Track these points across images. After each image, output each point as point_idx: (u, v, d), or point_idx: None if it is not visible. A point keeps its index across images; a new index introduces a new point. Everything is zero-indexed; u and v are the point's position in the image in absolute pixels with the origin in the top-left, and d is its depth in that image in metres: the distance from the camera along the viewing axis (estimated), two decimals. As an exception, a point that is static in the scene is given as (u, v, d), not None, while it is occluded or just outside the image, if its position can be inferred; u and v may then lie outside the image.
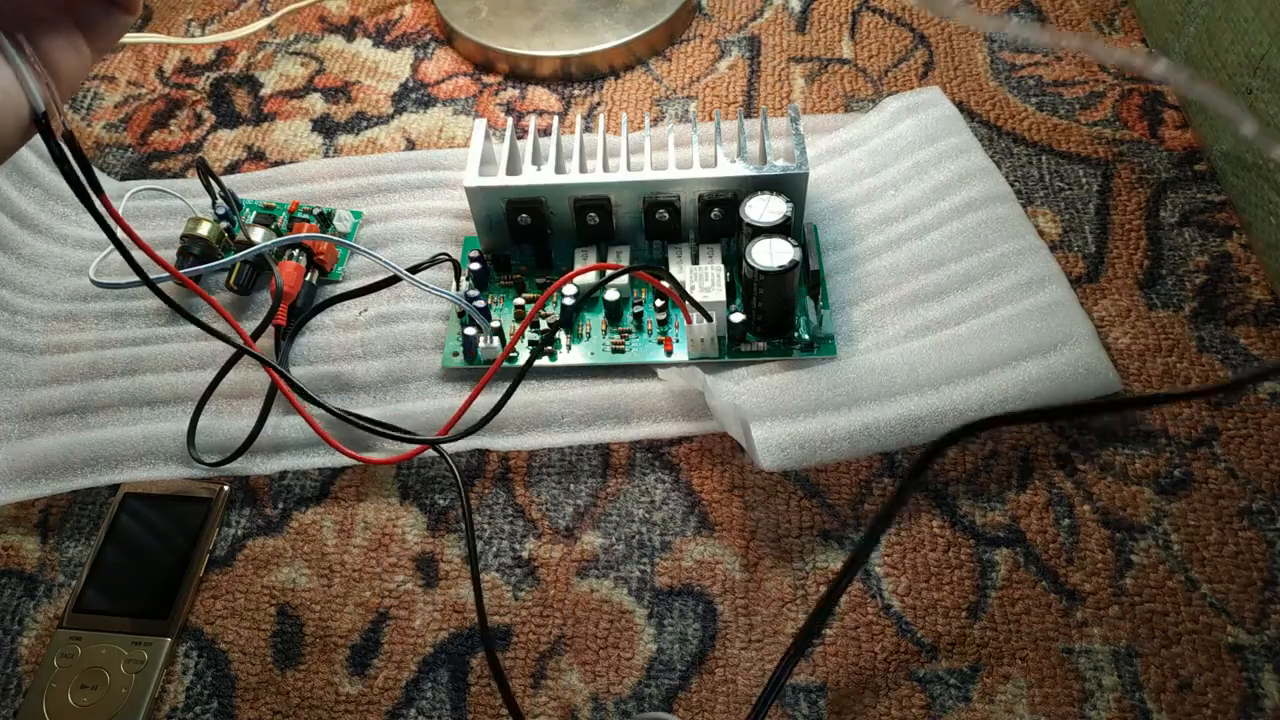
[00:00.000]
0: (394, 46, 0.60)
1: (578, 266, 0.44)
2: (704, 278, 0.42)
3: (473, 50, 0.58)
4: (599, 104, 0.55)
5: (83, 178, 0.29)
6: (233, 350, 0.42)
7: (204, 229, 0.46)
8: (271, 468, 0.41)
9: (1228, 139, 0.46)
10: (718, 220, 0.44)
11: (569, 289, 0.43)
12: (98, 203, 0.29)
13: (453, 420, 0.40)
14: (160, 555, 0.39)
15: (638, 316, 0.44)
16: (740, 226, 0.41)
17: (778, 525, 0.38)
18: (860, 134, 0.50)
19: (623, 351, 0.43)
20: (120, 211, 0.49)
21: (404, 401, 0.42)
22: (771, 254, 0.39)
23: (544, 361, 0.43)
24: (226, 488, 0.41)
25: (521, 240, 0.46)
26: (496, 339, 0.43)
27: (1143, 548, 0.37)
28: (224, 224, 0.48)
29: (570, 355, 0.43)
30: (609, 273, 0.43)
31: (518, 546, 0.39)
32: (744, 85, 0.55)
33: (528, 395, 0.42)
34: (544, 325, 0.44)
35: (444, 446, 0.40)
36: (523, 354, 0.43)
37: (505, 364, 0.42)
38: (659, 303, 0.44)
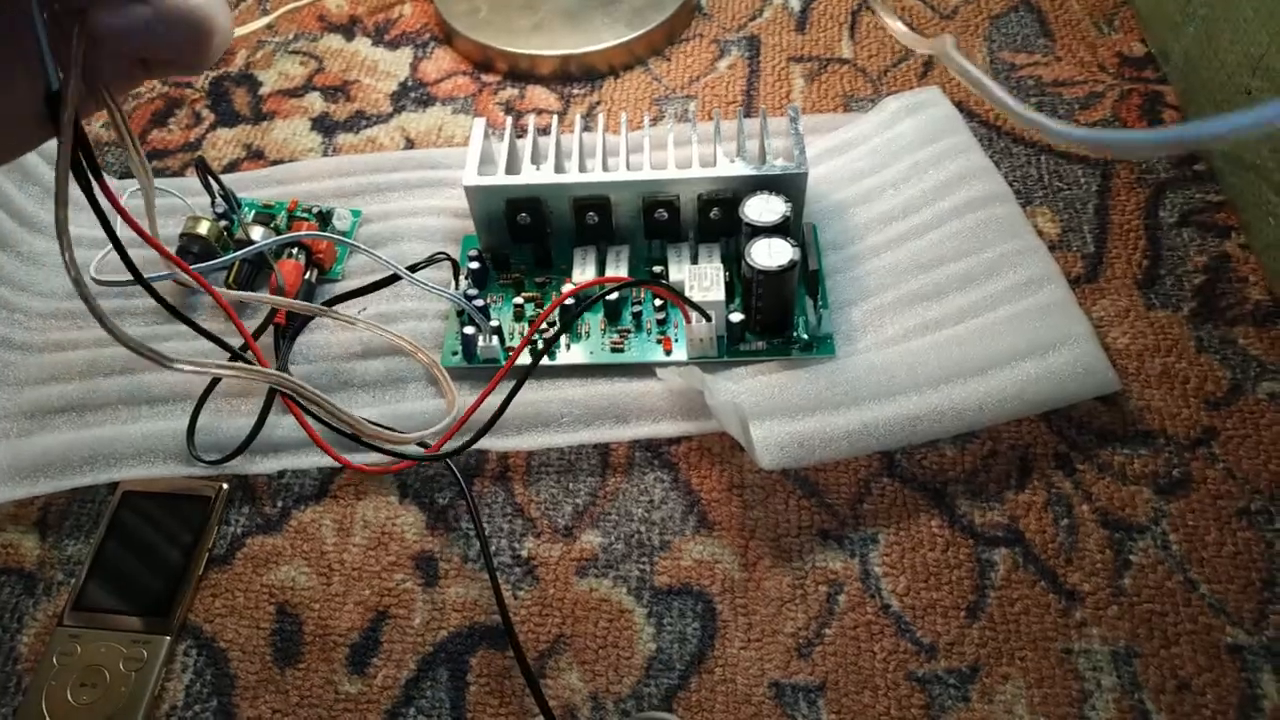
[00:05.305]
0: (393, 45, 0.60)
1: (576, 267, 0.44)
2: (703, 277, 0.42)
3: (472, 49, 0.58)
4: (598, 103, 0.55)
5: (92, 181, 0.28)
6: (231, 350, 0.42)
7: (203, 228, 0.46)
8: (271, 466, 0.41)
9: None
10: (717, 220, 0.44)
11: (568, 289, 0.43)
12: (102, 200, 0.29)
13: (454, 430, 0.40)
14: (160, 553, 0.39)
15: (637, 316, 0.44)
16: (740, 226, 0.41)
17: (777, 524, 0.39)
18: (860, 134, 0.50)
19: (622, 351, 0.43)
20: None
21: (403, 401, 0.42)
22: (770, 254, 0.39)
23: (544, 361, 0.42)
24: (226, 486, 0.41)
25: (521, 239, 0.46)
26: (495, 338, 0.43)
27: (1141, 548, 0.37)
28: (223, 223, 0.48)
29: (570, 355, 0.43)
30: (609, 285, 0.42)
31: (517, 545, 0.39)
32: (744, 85, 0.55)
33: (527, 395, 0.42)
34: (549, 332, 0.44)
35: (444, 448, 0.40)
36: (524, 358, 0.43)
37: (497, 363, 0.42)
38: (658, 302, 0.44)
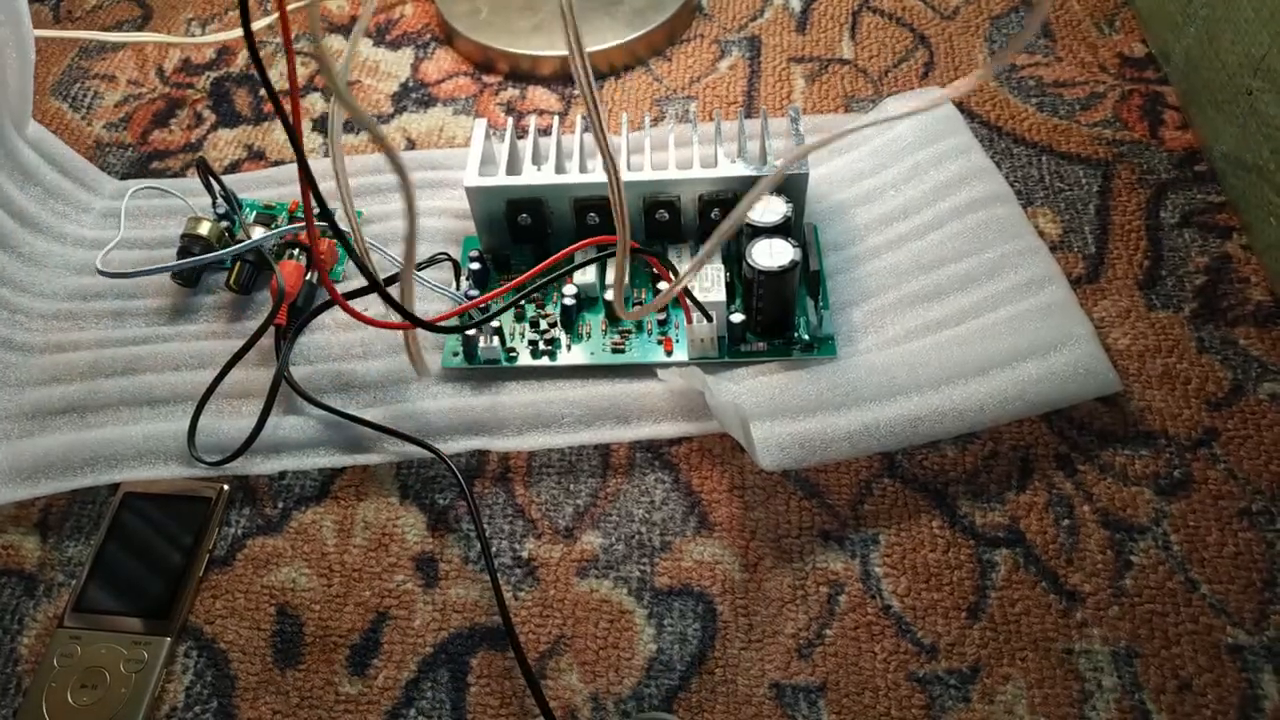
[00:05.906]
0: (394, 46, 0.60)
1: (578, 264, 0.44)
2: (704, 278, 0.42)
3: (473, 50, 0.58)
4: (599, 104, 0.55)
5: None
6: (233, 350, 0.42)
7: (204, 228, 0.46)
8: (271, 467, 0.41)
9: (1228, 140, 0.46)
10: (718, 220, 0.44)
11: (569, 289, 0.43)
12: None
13: (442, 317, 0.41)
14: (160, 554, 0.39)
15: (638, 316, 0.44)
16: (741, 226, 0.41)
17: (777, 525, 0.38)
18: (861, 134, 0.50)
19: (623, 351, 0.43)
20: (121, 211, 0.49)
21: (404, 401, 0.42)
22: (772, 254, 0.39)
23: (544, 361, 0.43)
24: (226, 487, 0.41)
25: (521, 240, 0.46)
26: (496, 339, 0.43)
27: (1142, 548, 0.37)
28: (224, 223, 0.48)
29: (570, 355, 0.43)
30: (608, 247, 0.42)
31: (517, 546, 0.39)
32: (744, 85, 0.55)
33: (528, 395, 0.42)
34: (543, 323, 0.44)
35: (445, 449, 0.40)
36: (522, 354, 0.43)
37: (498, 364, 0.42)
38: (659, 303, 0.44)
